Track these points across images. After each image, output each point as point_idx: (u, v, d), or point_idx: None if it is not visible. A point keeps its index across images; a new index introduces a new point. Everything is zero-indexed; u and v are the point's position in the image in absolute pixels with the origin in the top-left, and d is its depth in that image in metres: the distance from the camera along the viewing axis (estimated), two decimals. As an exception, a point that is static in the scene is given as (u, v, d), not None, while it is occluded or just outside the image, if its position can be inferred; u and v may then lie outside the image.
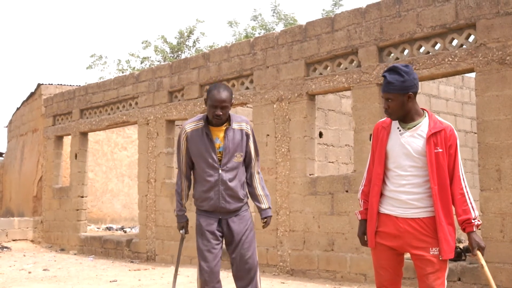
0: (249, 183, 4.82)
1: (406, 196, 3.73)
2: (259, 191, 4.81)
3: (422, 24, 8.07)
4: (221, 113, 4.55)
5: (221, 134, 4.65)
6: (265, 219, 4.83)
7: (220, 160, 4.64)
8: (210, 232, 4.70)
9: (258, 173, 4.84)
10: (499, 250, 7.15)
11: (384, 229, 3.79)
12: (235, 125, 4.68)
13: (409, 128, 3.77)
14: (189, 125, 4.70)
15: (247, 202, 4.81)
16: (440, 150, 3.72)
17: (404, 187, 3.74)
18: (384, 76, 3.76)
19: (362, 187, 4.01)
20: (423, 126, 3.76)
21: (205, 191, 4.70)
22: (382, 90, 3.78)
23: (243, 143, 4.70)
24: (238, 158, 4.68)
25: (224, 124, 4.67)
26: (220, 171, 4.63)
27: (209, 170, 4.65)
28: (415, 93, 3.76)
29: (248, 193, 4.85)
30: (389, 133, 3.83)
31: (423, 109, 3.85)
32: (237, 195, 4.69)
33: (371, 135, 8.52)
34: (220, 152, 4.64)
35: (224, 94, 4.55)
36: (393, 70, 3.74)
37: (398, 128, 3.81)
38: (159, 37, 28.70)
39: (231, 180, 4.65)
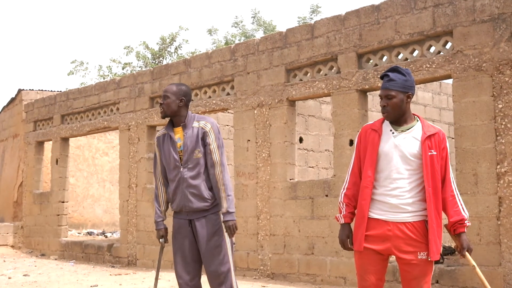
0: (212, 183, 4.72)
1: (397, 200, 3.72)
2: (220, 192, 4.65)
3: (400, 31, 8.22)
4: (162, 102, 4.74)
5: (182, 134, 4.73)
6: (225, 224, 4.63)
7: (181, 159, 4.69)
8: (181, 235, 4.78)
9: (221, 172, 4.67)
10: (476, 253, 7.26)
11: (372, 233, 3.73)
12: (195, 124, 4.73)
13: (402, 131, 3.77)
14: (159, 132, 4.87)
15: (217, 205, 4.73)
16: (434, 153, 3.74)
17: (395, 190, 3.72)
18: (386, 74, 3.78)
19: (345, 191, 3.93)
20: (416, 129, 3.78)
21: (172, 191, 4.77)
22: (383, 87, 3.77)
23: (199, 139, 4.67)
24: (197, 154, 4.67)
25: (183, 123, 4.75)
26: (181, 169, 4.67)
27: (173, 170, 4.72)
28: (412, 96, 3.80)
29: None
30: (381, 135, 3.79)
31: (414, 114, 3.88)
32: (200, 194, 4.66)
33: (351, 140, 8.65)
34: (180, 151, 4.70)
35: (169, 87, 4.76)
36: (395, 69, 3.79)
37: (391, 130, 3.79)
38: (141, 43, 28.66)
39: (193, 177, 4.66)
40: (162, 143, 4.79)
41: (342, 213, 3.91)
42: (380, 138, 3.78)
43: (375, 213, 3.75)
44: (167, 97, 4.70)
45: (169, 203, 4.92)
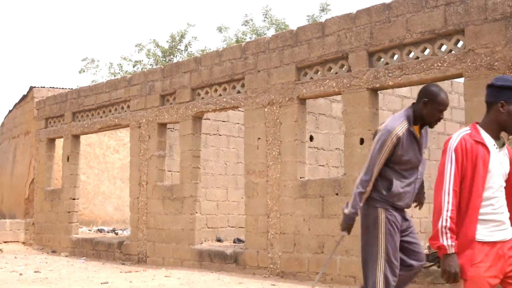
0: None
1: (504, 217, 3.45)
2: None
3: (412, 29, 8.19)
4: (442, 117, 4.65)
5: (418, 133, 4.71)
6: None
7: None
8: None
9: None
10: (486, 253, 7.25)
11: (482, 259, 3.34)
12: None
13: (500, 146, 3.49)
14: (399, 128, 4.58)
15: None
16: None
17: (502, 207, 3.46)
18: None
19: (449, 213, 3.36)
20: (504, 145, 3.54)
21: (402, 189, 4.68)
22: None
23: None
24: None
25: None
26: (419, 169, 4.75)
27: (411, 169, 4.70)
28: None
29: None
30: (489, 150, 3.42)
31: None
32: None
33: (362, 139, 8.63)
34: None
35: (448, 99, 4.64)
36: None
37: (494, 145, 3.45)
38: (151, 41, 28.75)
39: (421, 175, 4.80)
40: (405, 142, 4.60)
41: (450, 241, 3.35)
42: (489, 153, 3.41)
43: (483, 235, 3.38)
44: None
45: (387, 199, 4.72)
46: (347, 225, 4.82)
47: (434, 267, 7.70)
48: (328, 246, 8.94)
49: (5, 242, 15.50)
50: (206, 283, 9.07)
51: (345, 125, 8.95)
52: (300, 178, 9.51)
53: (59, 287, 8.75)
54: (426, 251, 8.49)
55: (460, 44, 7.82)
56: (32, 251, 15.05)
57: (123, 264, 12.22)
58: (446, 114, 15.28)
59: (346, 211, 4.72)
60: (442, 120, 14.74)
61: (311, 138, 13.26)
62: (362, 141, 8.67)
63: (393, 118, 4.68)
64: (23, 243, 15.89)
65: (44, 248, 15.31)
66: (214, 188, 14.93)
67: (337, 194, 8.90)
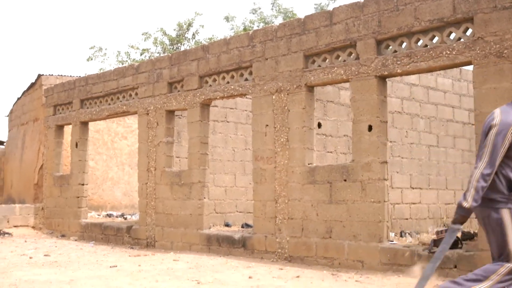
0: None
1: None
2: None
3: (420, 17, 8.22)
4: None
5: None
6: None
7: None
8: None
9: None
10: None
11: None
12: None
13: None
14: None
15: None
16: None
17: None
18: None
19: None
20: None
21: None
22: None
23: None
24: None
25: None
26: None
27: None
28: None
29: None
30: None
31: None
32: None
33: (370, 126, 8.70)
34: None
35: None
36: None
37: None
38: (159, 29, 28.77)
39: None
40: None
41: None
42: None
43: None
44: None
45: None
46: (463, 219, 4.51)
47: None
48: (336, 231, 9.04)
49: (15, 226, 15.68)
50: (214, 267, 9.19)
51: (353, 112, 9.01)
52: (308, 164, 9.60)
53: (68, 271, 8.87)
54: (434, 236, 8.61)
55: (469, 32, 7.86)
56: (41, 235, 15.22)
57: (132, 248, 12.35)
58: (454, 101, 15.39)
59: (465, 204, 4.42)
60: (451, 108, 14.80)
61: (319, 125, 13.32)
62: (370, 128, 8.74)
63: (505, 112, 4.60)
64: (33, 227, 16.06)
65: (53, 232, 15.47)
66: (222, 174, 15.04)
67: (345, 180, 8.99)
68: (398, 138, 14.31)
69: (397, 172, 14.01)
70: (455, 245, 8.05)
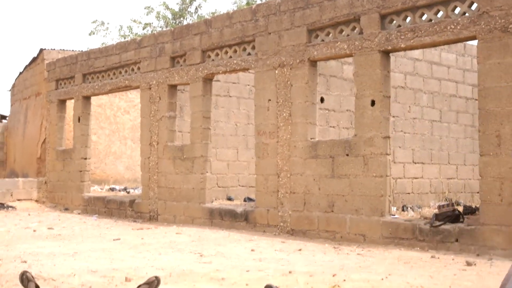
0: None
1: None
2: None
3: (425, -9, 8.15)
4: None
5: None
6: None
7: None
8: None
9: None
10: (496, 213, 7.37)
11: None
12: None
13: None
14: None
15: None
16: None
17: None
18: None
19: None
20: None
21: None
22: None
23: None
24: None
25: None
26: None
27: None
28: None
29: None
30: None
31: None
32: None
33: (373, 100, 8.69)
34: None
35: None
36: None
37: None
38: (161, 3, 28.58)
39: None
40: None
41: None
42: None
43: None
44: None
45: None
46: None
47: (443, 226, 7.86)
48: (338, 205, 9.08)
49: (18, 200, 15.76)
50: (216, 240, 9.25)
51: (357, 87, 8.99)
52: (311, 139, 9.60)
53: (72, 243, 8.94)
54: (435, 211, 8.64)
55: (474, 6, 7.80)
56: (45, 209, 15.31)
57: (135, 221, 12.43)
58: (458, 77, 15.32)
59: None
60: (454, 83, 14.74)
61: (322, 100, 13.30)
62: (373, 103, 8.72)
63: None
64: (36, 201, 16.16)
65: (56, 206, 15.57)
66: (224, 148, 15.06)
67: (347, 155, 9.00)
68: (401, 113, 14.29)
69: (400, 147, 14.02)
70: (456, 219, 8.09)
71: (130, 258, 7.42)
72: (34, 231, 10.56)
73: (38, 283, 5.16)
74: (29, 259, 7.22)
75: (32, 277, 5.12)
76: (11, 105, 22.10)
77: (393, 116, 13.39)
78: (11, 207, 15.00)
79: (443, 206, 8.48)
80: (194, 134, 11.66)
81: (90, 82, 14.76)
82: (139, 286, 5.01)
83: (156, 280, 5.06)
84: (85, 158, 14.77)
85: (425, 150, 14.58)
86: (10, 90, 22.59)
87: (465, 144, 15.46)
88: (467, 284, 5.48)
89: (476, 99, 14.67)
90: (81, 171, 14.82)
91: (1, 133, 21.96)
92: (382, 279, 5.69)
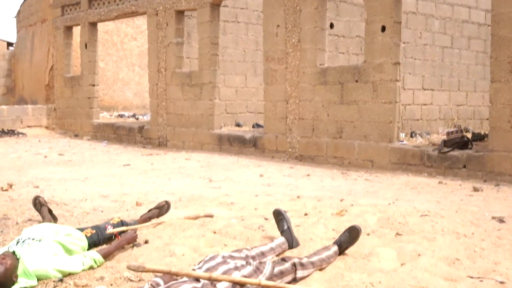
0: None
1: None
2: None
3: None
4: None
5: None
6: None
7: None
8: None
9: None
10: (505, 140, 7.35)
11: None
12: None
13: None
14: None
15: None
16: None
17: None
18: None
19: None
20: None
21: None
22: None
23: None
24: None
25: None
26: None
27: None
28: None
29: None
30: None
31: None
32: None
33: (383, 26, 8.52)
34: None
35: None
36: None
37: None
38: None
39: None
40: None
41: None
42: None
43: None
44: None
45: None
46: None
47: (452, 152, 7.87)
48: (346, 132, 9.08)
49: (28, 126, 15.87)
50: (225, 165, 9.33)
51: (367, 12, 8.80)
52: (320, 65, 9.50)
53: (82, 169, 9.04)
54: (444, 137, 8.64)
55: None
56: (55, 135, 15.43)
57: (144, 147, 12.53)
58: (470, 2, 14.89)
59: None
60: (467, 8, 14.36)
61: (331, 26, 13.03)
62: (383, 29, 8.56)
63: None
64: (46, 127, 16.26)
65: (66, 132, 15.67)
66: (233, 74, 14.95)
67: (356, 81, 8.92)
68: (412, 39, 14.05)
69: (409, 74, 13.87)
70: (465, 145, 8.09)
71: (140, 183, 7.51)
72: (45, 157, 10.68)
73: (51, 207, 5.25)
74: (41, 185, 7.33)
75: (45, 201, 5.20)
76: (17, 32, 21.88)
77: (404, 42, 13.17)
78: (21, 133, 15.12)
79: (451, 132, 8.46)
80: (202, 60, 11.56)
81: (96, 8, 14.52)
82: (150, 210, 5.09)
83: (167, 205, 5.14)
84: (93, 85, 14.74)
85: (435, 77, 14.42)
86: (15, 17, 22.30)
87: (476, 70, 15.27)
88: (474, 209, 5.53)
89: (489, 25, 14.36)
90: (89, 98, 14.83)
91: (8, 60, 21.84)
92: (389, 204, 5.74)
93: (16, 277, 3.41)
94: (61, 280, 3.52)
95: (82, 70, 15.00)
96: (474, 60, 15.29)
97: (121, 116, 16.45)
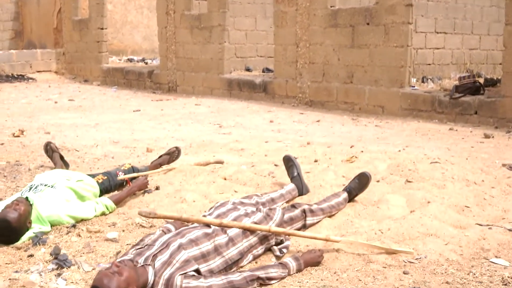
0: None
1: None
2: None
3: None
4: None
5: None
6: None
7: None
8: None
9: None
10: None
11: None
12: None
13: None
14: None
15: None
16: None
17: None
18: None
19: None
20: None
21: None
22: None
23: None
24: None
25: None
26: None
27: None
28: None
29: None
30: None
31: None
32: None
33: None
34: None
35: None
36: None
37: None
38: None
39: None
40: None
41: None
42: None
43: None
44: None
45: None
46: None
47: (463, 98, 7.80)
48: (357, 76, 9.00)
49: (38, 71, 15.82)
50: (235, 111, 9.32)
51: (380, -48, 8.58)
52: (331, 7, 9.33)
53: (93, 115, 9.06)
54: (456, 82, 8.54)
55: None
56: (64, 80, 15.41)
57: (154, 93, 12.50)
58: None
59: None
60: None
61: (343, -34, 12.76)
62: (396, -31, 8.36)
63: None
64: (55, 72, 16.21)
65: (76, 77, 15.64)
66: (242, 17, 14.72)
67: (368, 24, 8.77)
68: (425, -20, 13.73)
69: (422, 16, 13.60)
70: (477, 91, 8.00)
71: (150, 129, 7.54)
72: (56, 102, 10.69)
73: (62, 153, 5.29)
74: (52, 130, 7.37)
75: (56, 147, 5.23)
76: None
77: (417, -17, 12.88)
78: (31, 79, 15.10)
79: (464, 77, 8.35)
80: (211, 2, 11.39)
81: (102, -52, 14.26)
82: (160, 156, 5.12)
83: (177, 151, 5.16)
84: (102, 28, 14.60)
85: (448, 19, 14.14)
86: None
87: (490, 12, 14.94)
88: (484, 156, 5.52)
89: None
90: (98, 42, 14.72)
91: (15, 2, 21.59)
92: (400, 150, 5.74)
93: (30, 222, 3.47)
94: (73, 226, 3.59)
95: (90, 12, 14.83)
96: (488, 1, 14.95)
97: (130, 60, 16.35)
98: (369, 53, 8.80)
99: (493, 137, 6.70)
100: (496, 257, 3.05)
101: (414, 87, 8.80)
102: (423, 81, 9.78)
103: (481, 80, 8.62)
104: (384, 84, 8.64)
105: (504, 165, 5.02)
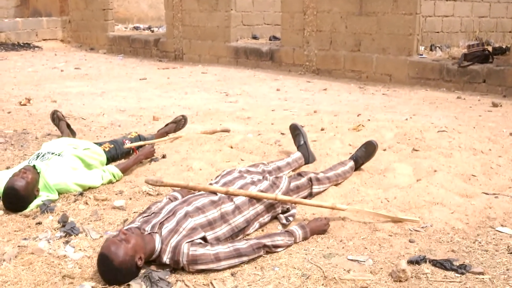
0: None
1: None
2: None
3: None
4: None
5: None
6: None
7: None
8: None
9: None
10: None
11: None
12: None
13: None
14: None
15: None
16: None
17: None
18: None
19: None
20: None
21: None
22: None
23: None
24: None
25: None
26: None
27: None
28: None
29: None
30: None
31: None
32: None
33: None
34: None
35: None
36: None
37: None
38: None
39: None
40: None
41: None
42: None
43: None
44: None
45: None
46: None
47: (471, 66, 7.74)
48: (364, 44, 8.92)
49: (43, 40, 15.75)
50: (242, 79, 9.28)
51: None
52: (339, -26, 9.22)
53: (99, 83, 9.05)
54: (464, 50, 8.47)
55: None
56: (70, 49, 15.35)
57: (160, 61, 12.44)
58: None
59: None
60: None
61: None
62: None
63: None
64: (61, 40, 16.13)
65: (82, 45, 15.57)
66: (249, -16, 14.57)
67: (376, -8, 8.67)
68: None
69: (431, -17, 13.43)
70: (486, 59, 7.92)
71: (156, 98, 7.52)
72: (62, 71, 10.67)
73: (69, 122, 5.29)
74: (58, 99, 7.37)
75: (63, 116, 5.24)
76: None
77: (427, -51, 12.68)
78: (37, 47, 15.04)
79: (472, 45, 8.28)
80: (218, -30, 11.27)
81: None
82: (167, 125, 5.12)
83: (183, 119, 5.16)
84: (107, -4, 14.50)
85: (457, -14, 13.95)
86: None
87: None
88: (491, 125, 5.50)
89: None
90: (104, 10, 14.61)
91: (20, -30, 21.45)
92: (407, 119, 5.72)
93: (38, 190, 3.49)
94: (81, 194, 3.61)
95: (95, -21, 14.72)
96: (499, -32, 14.72)
97: (136, 28, 16.24)
98: (377, 21, 8.71)
99: (501, 105, 6.66)
100: (502, 225, 3.06)
101: (422, 55, 8.73)
102: (431, 49, 9.69)
103: (490, 48, 8.54)
104: (392, 52, 8.57)
105: (511, 134, 4.99)
